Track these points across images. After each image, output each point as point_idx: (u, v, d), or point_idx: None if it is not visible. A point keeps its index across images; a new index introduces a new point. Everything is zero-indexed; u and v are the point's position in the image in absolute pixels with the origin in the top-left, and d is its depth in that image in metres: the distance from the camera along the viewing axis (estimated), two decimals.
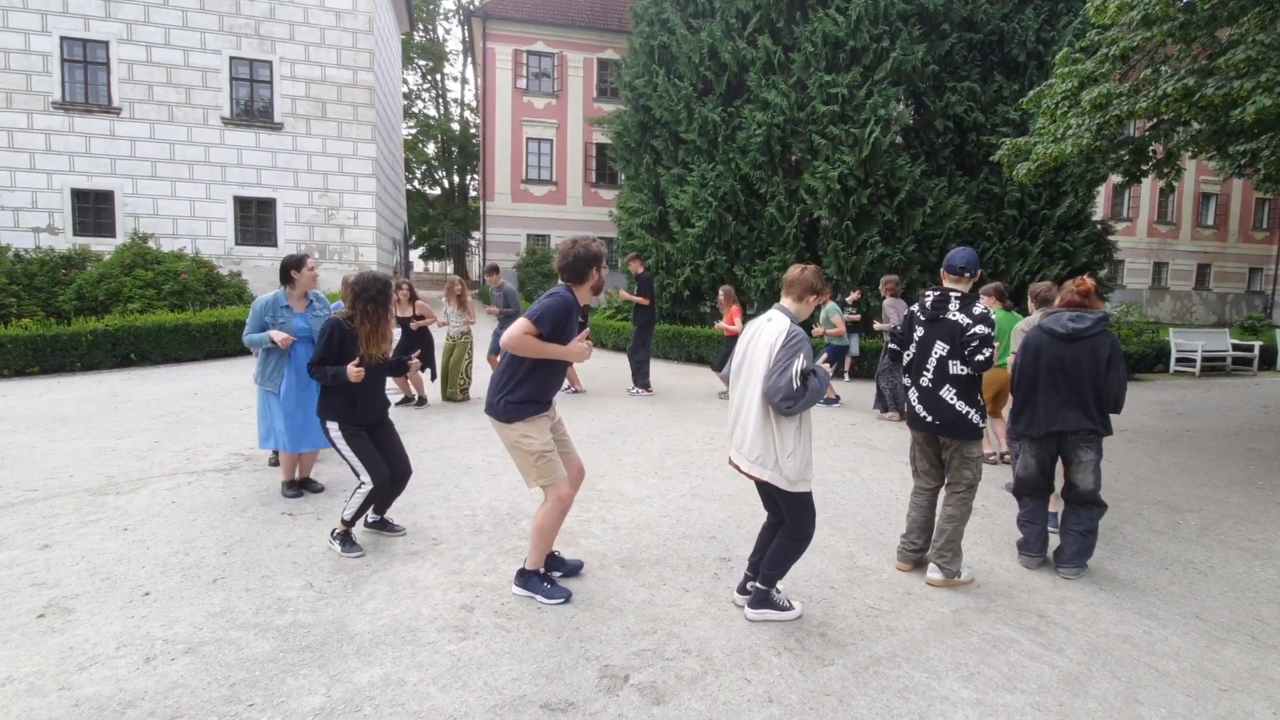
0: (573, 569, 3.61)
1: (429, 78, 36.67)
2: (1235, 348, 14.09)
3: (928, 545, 3.81)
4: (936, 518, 3.71)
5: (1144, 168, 7.45)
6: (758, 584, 3.15)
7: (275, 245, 17.93)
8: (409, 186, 33.03)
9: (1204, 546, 4.31)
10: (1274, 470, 6.32)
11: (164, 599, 3.23)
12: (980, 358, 3.45)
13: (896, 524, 4.46)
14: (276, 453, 5.15)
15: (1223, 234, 29.24)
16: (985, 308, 3.58)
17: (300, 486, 4.77)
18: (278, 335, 4.45)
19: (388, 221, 21.60)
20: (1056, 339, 3.83)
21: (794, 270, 3.13)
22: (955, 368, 3.55)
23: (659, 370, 10.85)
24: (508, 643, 2.88)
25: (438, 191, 36.90)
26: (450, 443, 6.19)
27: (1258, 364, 14.14)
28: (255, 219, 17.89)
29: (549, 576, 3.35)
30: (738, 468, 3.07)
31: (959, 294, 3.60)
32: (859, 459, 6.14)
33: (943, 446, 3.68)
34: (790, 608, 3.19)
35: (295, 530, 4.09)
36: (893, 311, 8.18)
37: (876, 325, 8.94)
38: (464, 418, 7.24)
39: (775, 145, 12.43)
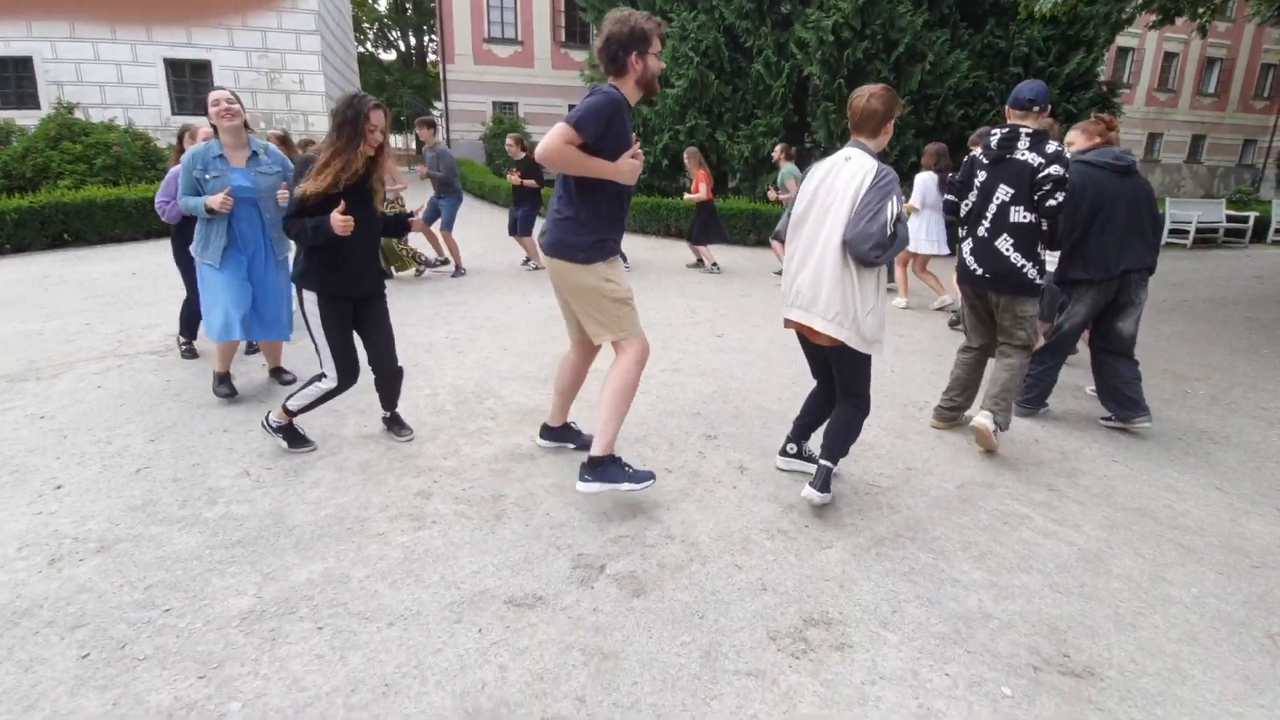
0: (586, 443, 3.25)
1: None
2: (1229, 219, 13.73)
3: (967, 405, 3.69)
4: (995, 366, 3.51)
5: (1180, 2, 6.63)
6: (824, 463, 2.82)
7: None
8: (360, 50, 30.25)
9: (1215, 415, 4.09)
10: (1276, 339, 6.10)
11: (78, 492, 2.83)
12: (1053, 202, 3.14)
13: (891, 395, 4.16)
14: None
15: (1223, 103, 28.09)
16: (1060, 146, 3.20)
17: (271, 375, 4.09)
18: (213, 200, 3.48)
19: (338, 87, 19.76)
20: (1114, 173, 3.58)
21: (858, 101, 2.63)
22: (1017, 214, 3.22)
23: (636, 244, 10.25)
24: (468, 532, 2.56)
25: (393, 56, 33.90)
26: (411, 320, 5.70)
27: (1250, 236, 13.85)
28: (190, 84, 16.16)
29: (625, 463, 2.74)
30: (806, 329, 2.73)
31: (1029, 130, 3.21)
32: None
33: (995, 304, 3.42)
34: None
35: (235, 414, 3.68)
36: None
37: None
38: (426, 294, 6.71)
39: None
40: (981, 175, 3.37)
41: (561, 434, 3.30)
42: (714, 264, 8.41)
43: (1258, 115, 28.82)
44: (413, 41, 33.28)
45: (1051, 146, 3.19)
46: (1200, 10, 6.70)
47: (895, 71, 11.15)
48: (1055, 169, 3.13)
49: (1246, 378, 4.85)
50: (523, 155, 7.96)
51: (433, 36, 31.24)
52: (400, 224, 3.44)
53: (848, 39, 10.79)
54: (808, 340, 2.83)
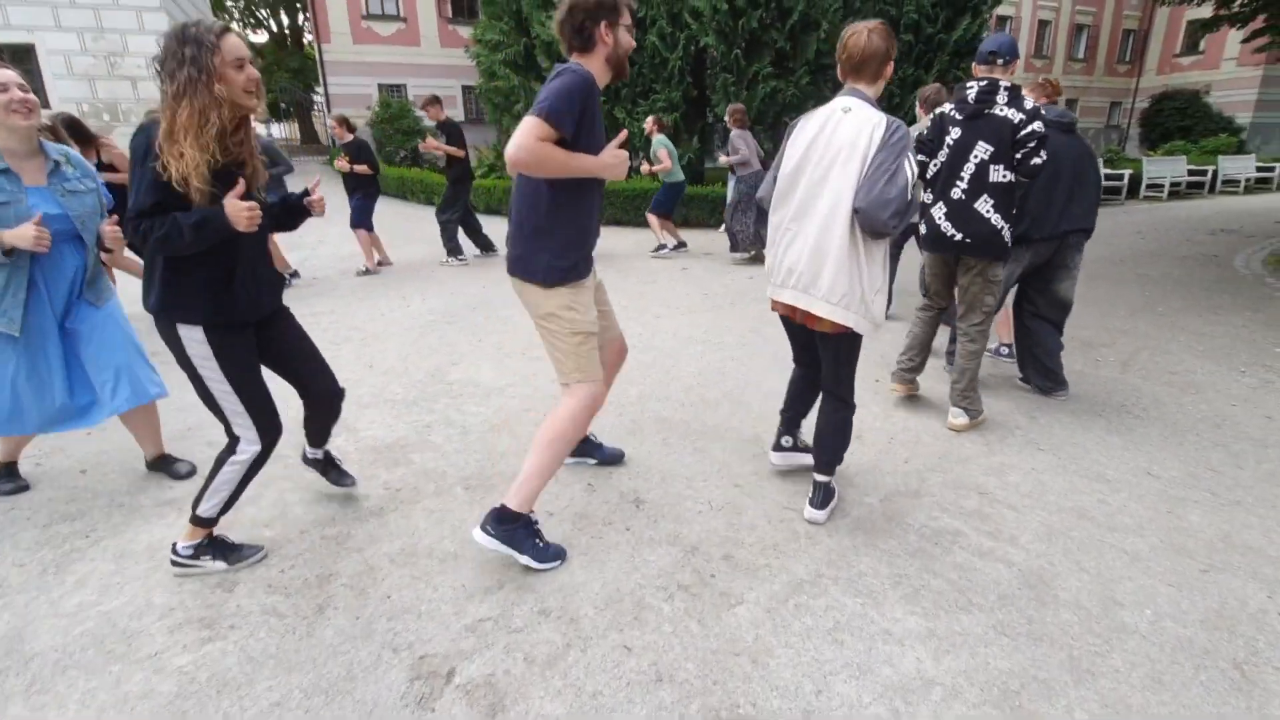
0: (611, 456, 3.01)
1: None
2: (1108, 177, 14.37)
3: (923, 366, 3.57)
4: (956, 355, 3.36)
5: None
6: (821, 478, 2.54)
7: (47, 106, 14.34)
8: None
9: (1129, 385, 3.93)
10: (1167, 295, 6.19)
11: None
12: (1037, 160, 2.95)
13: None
14: None
15: (1090, 67, 29.79)
16: (1035, 103, 2.99)
17: (153, 469, 2.91)
18: (17, 235, 2.27)
19: None
20: (1059, 129, 3.41)
21: (857, 39, 2.20)
22: (997, 174, 2.98)
23: None
24: (276, 639, 1.95)
25: (265, 37, 31.21)
26: None
27: (1125, 192, 14.57)
28: None
29: (538, 530, 2.27)
30: (805, 314, 2.34)
31: (1006, 85, 2.97)
32: (759, 317, 5.41)
33: (963, 269, 3.23)
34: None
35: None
36: (741, 143, 7.29)
37: (722, 160, 8.15)
38: (288, 301, 5.85)
39: None
40: (955, 132, 3.08)
41: (579, 448, 2.94)
42: None
43: (1121, 79, 30.76)
44: (285, 21, 30.68)
45: (1029, 102, 2.98)
46: None
47: (791, 40, 10.89)
48: (1037, 125, 2.92)
49: (1150, 339, 4.79)
50: (350, 138, 7.01)
51: (307, 15, 28.92)
52: (294, 211, 2.31)
53: (742, 7, 10.41)
54: (798, 324, 2.46)
